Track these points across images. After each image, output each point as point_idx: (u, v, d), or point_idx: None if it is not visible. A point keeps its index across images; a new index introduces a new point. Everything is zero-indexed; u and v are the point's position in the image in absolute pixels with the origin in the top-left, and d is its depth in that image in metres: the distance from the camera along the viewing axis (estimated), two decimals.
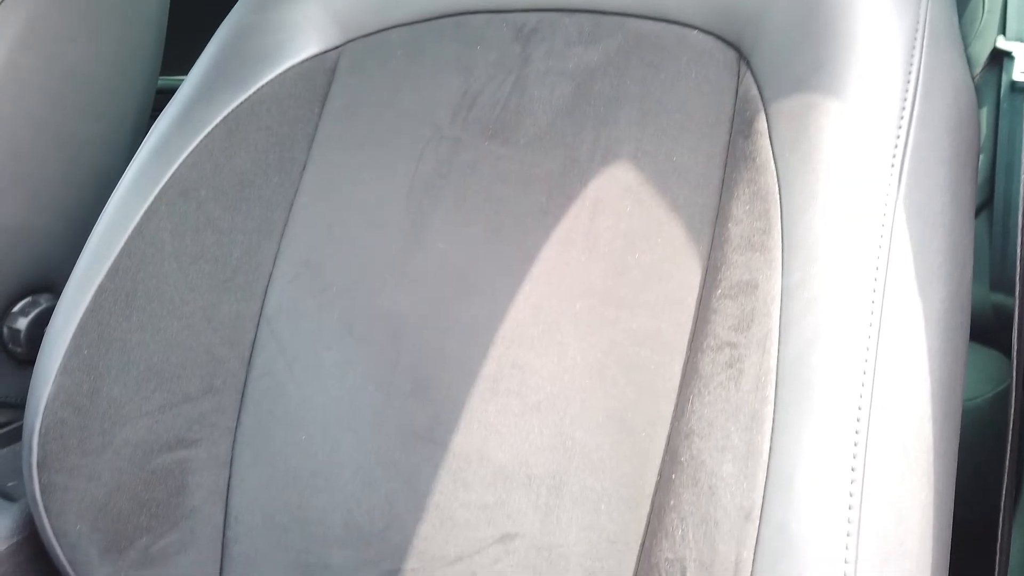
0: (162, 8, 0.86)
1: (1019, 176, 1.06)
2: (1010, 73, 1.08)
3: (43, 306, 0.76)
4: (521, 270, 0.52)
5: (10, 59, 0.71)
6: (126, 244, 0.56)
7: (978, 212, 1.08)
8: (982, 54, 1.16)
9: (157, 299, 0.57)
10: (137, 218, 0.57)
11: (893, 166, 0.38)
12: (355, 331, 0.55)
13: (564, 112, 0.54)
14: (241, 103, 0.60)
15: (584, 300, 0.49)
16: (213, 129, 0.59)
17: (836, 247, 0.36)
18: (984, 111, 1.11)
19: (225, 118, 0.60)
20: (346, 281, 0.57)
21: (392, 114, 0.60)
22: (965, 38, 1.14)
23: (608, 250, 0.49)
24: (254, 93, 0.61)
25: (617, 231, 0.49)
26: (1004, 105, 1.04)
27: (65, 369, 0.54)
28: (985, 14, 1.10)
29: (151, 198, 0.57)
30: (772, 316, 0.37)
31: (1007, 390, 0.93)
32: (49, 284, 0.78)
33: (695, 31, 0.50)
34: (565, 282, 0.50)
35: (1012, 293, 1.03)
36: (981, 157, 1.09)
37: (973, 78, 1.11)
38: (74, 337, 0.55)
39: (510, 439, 0.48)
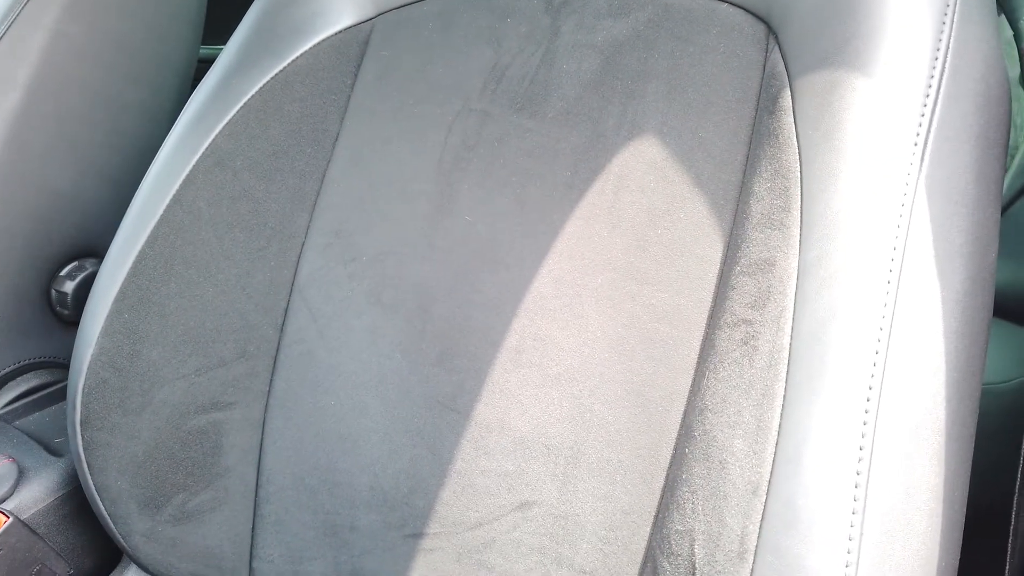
0: None
1: None
2: None
3: (88, 270, 0.78)
4: (545, 243, 0.52)
5: (59, 28, 0.73)
6: (165, 212, 0.58)
7: (1020, 194, 1.05)
8: None
9: (194, 266, 0.58)
10: (176, 187, 0.59)
11: (916, 144, 0.37)
12: (383, 300, 0.56)
13: (592, 86, 0.54)
14: (276, 74, 0.62)
15: (605, 274, 0.49)
16: (249, 100, 0.61)
17: (854, 225, 0.36)
18: None
19: (260, 89, 0.61)
20: (376, 251, 0.58)
21: (423, 86, 0.60)
22: (1016, 10, 1.10)
23: (631, 225, 0.49)
24: (289, 65, 0.62)
25: (640, 206, 0.49)
26: None
27: (107, 332, 0.56)
28: None
29: (189, 167, 0.59)
30: (788, 294, 0.37)
31: None
32: (94, 249, 0.81)
33: (725, 4, 0.50)
34: (587, 256, 0.50)
35: None
36: None
37: (1021, 54, 1.08)
38: (115, 301, 0.57)
39: (531, 410, 0.49)
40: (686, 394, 0.43)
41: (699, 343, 0.44)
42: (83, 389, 0.56)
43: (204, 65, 0.91)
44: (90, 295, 0.58)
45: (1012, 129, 1.07)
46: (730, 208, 0.45)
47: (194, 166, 0.59)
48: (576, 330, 0.49)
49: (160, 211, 0.58)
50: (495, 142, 0.56)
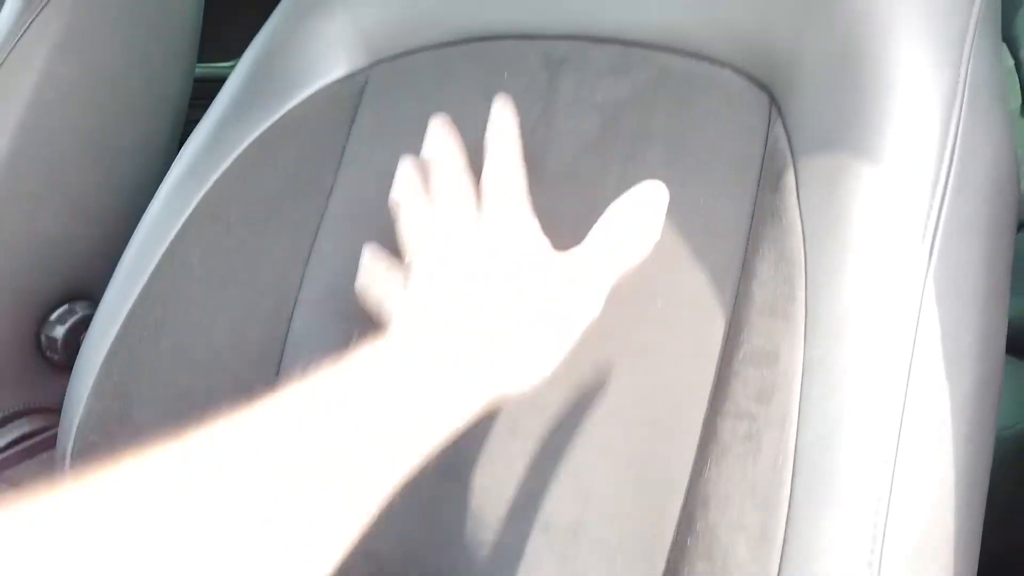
0: (197, 9, 0.86)
1: None
2: None
3: (79, 314, 0.77)
4: None
5: (49, 69, 0.73)
6: (156, 268, 0.57)
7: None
8: None
9: (186, 325, 0.57)
10: (168, 241, 0.58)
11: (925, 238, 0.36)
12: None
13: (591, 146, 0.53)
14: (272, 124, 0.61)
15: (605, 345, 0.48)
16: (243, 152, 0.60)
17: (862, 325, 0.35)
18: None
19: (255, 139, 0.60)
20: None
21: (418, 140, 0.59)
22: (1016, 40, 1.09)
23: (631, 296, 0.48)
24: (285, 114, 0.61)
25: (641, 276, 0.48)
26: None
27: (96, 393, 0.55)
28: None
29: (181, 222, 0.58)
30: (793, 392, 0.36)
31: None
32: (86, 292, 0.80)
33: (727, 69, 0.49)
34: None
35: None
36: None
37: (1023, 84, 1.07)
38: (105, 361, 0.56)
39: (530, 482, 0.48)
40: (687, 477, 0.42)
41: (700, 425, 0.43)
42: (71, 452, 0.55)
43: (199, 84, 0.91)
44: (79, 354, 0.57)
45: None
46: (732, 284, 0.45)
47: (186, 220, 0.58)
48: (575, 401, 0.48)
49: (151, 267, 0.57)
50: None
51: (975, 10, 0.40)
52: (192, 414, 0.57)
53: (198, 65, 0.89)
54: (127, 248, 0.59)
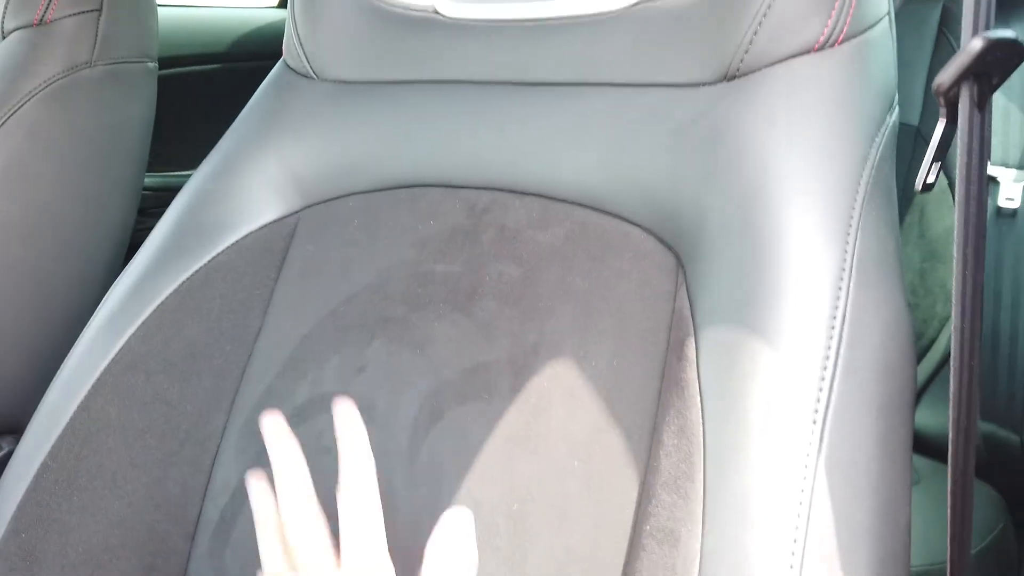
0: (144, 141, 0.87)
1: (1008, 303, 1.04)
2: (995, 199, 1.07)
3: (4, 451, 0.75)
4: (464, 463, 0.50)
5: None
6: (70, 421, 0.56)
7: None
8: None
9: (99, 478, 0.56)
10: (83, 394, 0.56)
11: (815, 422, 0.36)
12: None
13: (512, 299, 0.53)
14: (196, 272, 0.60)
15: (523, 504, 0.47)
16: (165, 299, 0.59)
17: (756, 514, 0.35)
18: None
19: (178, 288, 0.60)
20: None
21: (346, 286, 0.59)
22: (948, 160, 1.13)
23: (548, 453, 0.48)
24: (210, 261, 0.61)
25: (558, 434, 0.48)
26: (989, 232, 1.04)
27: (1, 554, 0.53)
28: None
29: (98, 373, 0.57)
30: None
31: (1001, 535, 0.90)
32: (15, 424, 0.78)
33: (638, 229, 0.50)
34: (505, 480, 0.49)
35: (1012, 427, 1.00)
36: None
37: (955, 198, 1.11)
38: (12, 520, 0.54)
39: None
40: None
41: None
42: None
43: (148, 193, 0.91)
44: None
45: (940, 264, 1.09)
46: (644, 448, 0.44)
47: (104, 371, 0.57)
48: (492, 561, 0.47)
49: (65, 421, 0.56)
50: (415, 350, 0.55)
51: (862, 185, 0.42)
52: (100, 572, 0.55)
53: (150, 174, 0.89)
54: (43, 400, 0.58)
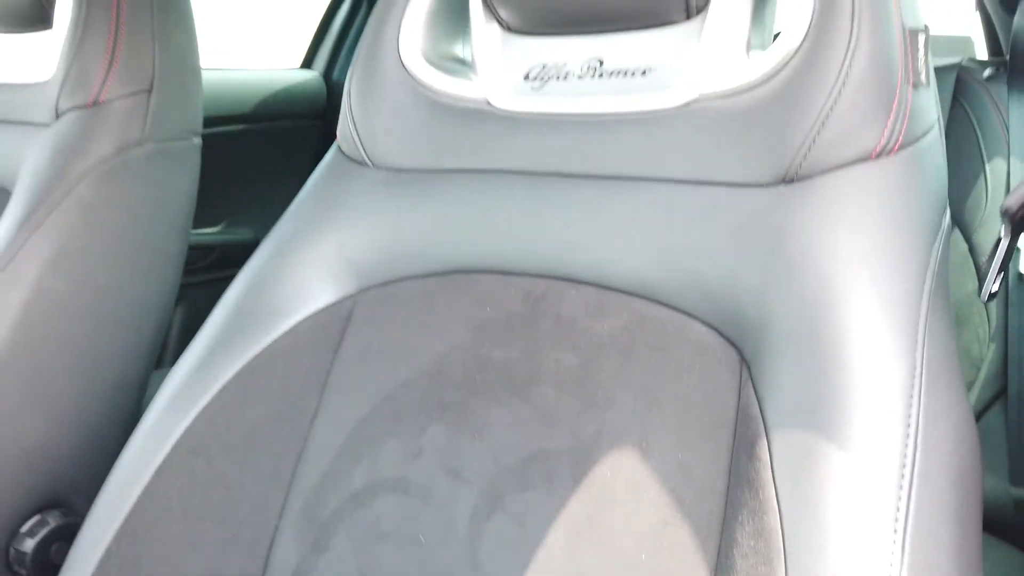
0: (188, 213, 0.89)
1: None
2: (1017, 265, 1.09)
3: (51, 526, 0.76)
4: (526, 554, 0.51)
5: (40, 285, 0.74)
6: (135, 506, 0.57)
7: (991, 404, 1.06)
8: (987, 243, 1.18)
9: (161, 563, 0.56)
10: (147, 479, 0.57)
11: (896, 531, 0.37)
12: None
13: (571, 387, 0.54)
14: (256, 355, 0.62)
15: None
16: (227, 383, 0.61)
17: None
18: (993, 302, 1.12)
19: (239, 371, 0.61)
20: (350, 540, 0.56)
21: (403, 369, 0.61)
22: (969, 226, 1.16)
23: (613, 546, 0.48)
24: (269, 345, 0.62)
25: (623, 526, 0.49)
26: (1013, 296, 1.05)
27: None
28: (988, 203, 1.12)
29: (162, 457, 0.58)
30: None
31: None
32: (62, 499, 0.78)
33: (698, 322, 0.51)
34: (569, 571, 0.49)
35: None
36: (992, 347, 1.09)
37: (978, 267, 1.13)
38: None
39: None
40: None
41: None
42: None
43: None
44: None
45: (976, 342, 1.10)
46: (713, 542, 0.45)
47: (168, 455, 0.58)
48: None
49: (130, 505, 0.57)
50: (474, 436, 0.56)
51: (926, 291, 0.43)
52: None
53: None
54: (105, 484, 0.59)
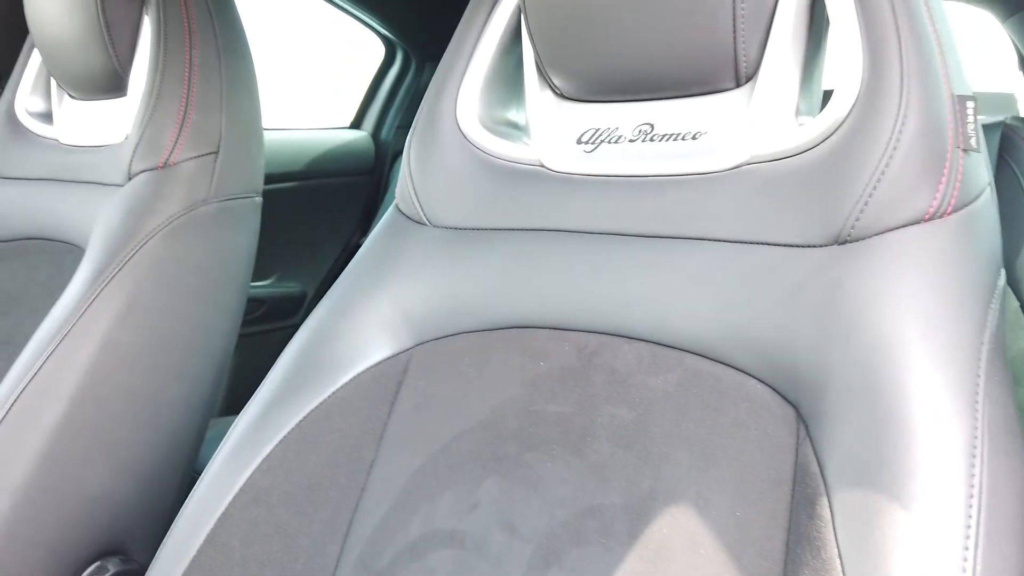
0: (248, 269, 0.93)
1: None
2: None
3: (111, 572, 0.77)
4: None
5: (110, 338, 0.77)
6: (197, 554, 0.58)
7: None
8: None
9: None
10: (210, 526, 0.59)
11: None
12: None
13: (625, 442, 0.55)
14: (316, 407, 0.64)
15: None
16: (287, 434, 0.62)
17: None
18: None
19: (300, 423, 0.63)
20: None
21: (459, 421, 0.62)
22: (1020, 283, 1.14)
23: None
24: (329, 397, 0.64)
25: None
26: None
27: None
28: None
29: (224, 505, 0.60)
30: None
31: None
32: (120, 546, 0.80)
33: (754, 380, 0.52)
34: None
35: None
36: None
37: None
38: None
39: None
40: None
41: None
42: None
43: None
44: None
45: (1018, 387, 1.08)
46: None
47: (229, 504, 0.60)
48: None
49: (192, 554, 0.58)
50: (529, 489, 0.57)
51: (984, 352, 0.44)
52: None
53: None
54: (169, 532, 0.60)
